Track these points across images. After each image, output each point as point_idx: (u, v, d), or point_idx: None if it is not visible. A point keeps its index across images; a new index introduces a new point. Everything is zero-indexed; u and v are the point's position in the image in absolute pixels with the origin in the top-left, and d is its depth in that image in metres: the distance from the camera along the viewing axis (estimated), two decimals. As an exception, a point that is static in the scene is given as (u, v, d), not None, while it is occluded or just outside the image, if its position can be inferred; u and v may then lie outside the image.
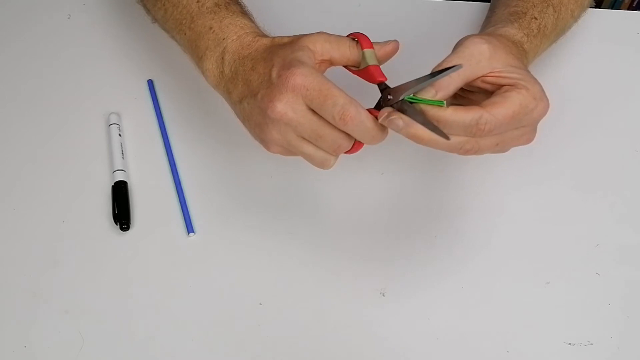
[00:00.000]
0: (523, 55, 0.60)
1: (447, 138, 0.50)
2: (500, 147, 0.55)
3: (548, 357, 0.60)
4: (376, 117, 0.53)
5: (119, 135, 0.71)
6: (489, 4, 0.75)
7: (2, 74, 0.76)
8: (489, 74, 0.54)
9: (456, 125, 0.51)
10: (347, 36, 0.57)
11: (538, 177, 0.70)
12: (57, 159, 0.70)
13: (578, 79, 0.76)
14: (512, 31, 0.61)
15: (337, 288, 0.63)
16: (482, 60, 0.53)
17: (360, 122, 0.51)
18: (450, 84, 0.53)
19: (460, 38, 0.66)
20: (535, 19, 0.64)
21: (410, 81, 0.53)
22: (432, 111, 0.51)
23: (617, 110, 0.75)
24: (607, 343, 0.61)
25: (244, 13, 0.62)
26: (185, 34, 0.62)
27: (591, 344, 0.61)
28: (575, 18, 0.71)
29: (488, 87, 0.54)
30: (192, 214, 0.67)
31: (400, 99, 0.52)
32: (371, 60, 0.55)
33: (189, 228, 0.66)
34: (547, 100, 0.54)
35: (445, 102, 0.52)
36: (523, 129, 0.54)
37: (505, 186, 0.69)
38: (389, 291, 0.63)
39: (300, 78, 0.51)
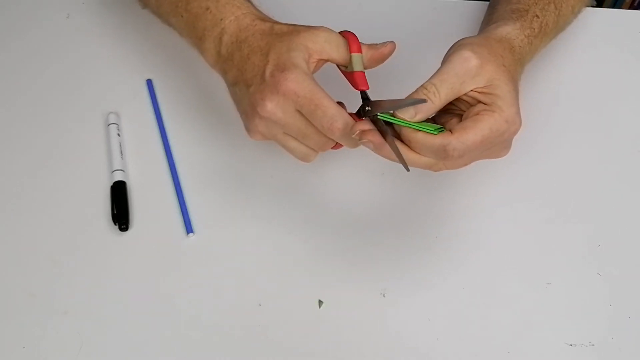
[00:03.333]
0: (518, 63, 0.59)
1: (407, 169, 0.53)
2: (471, 163, 0.57)
3: (549, 358, 0.60)
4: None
5: (118, 135, 0.70)
6: (488, 2, 0.74)
7: (0, 73, 0.76)
8: (471, 90, 0.54)
9: (425, 149, 0.53)
10: (339, 33, 0.57)
11: (539, 177, 0.69)
12: (55, 159, 0.70)
13: (579, 78, 0.76)
14: (513, 32, 0.61)
15: (337, 289, 0.63)
16: (466, 80, 0.54)
17: (347, 133, 0.53)
18: (430, 108, 0.53)
19: (459, 38, 0.66)
20: (537, 17, 0.63)
21: (389, 100, 0.54)
22: (405, 132, 0.53)
23: (617, 108, 0.74)
24: (608, 344, 0.61)
25: None
26: (182, 17, 0.63)
27: (592, 344, 0.61)
28: (576, 14, 0.72)
29: (469, 100, 0.55)
30: (192, 214, 0.66)
31: (375, 114, 0.54)
32: (357, 66, 0.55)
33: (188, 228, 0.65)
34: (520, 121, 0.55)
35: (415, 124, 0.53)
36: (494, 148, 0.55)
37: (506, 186, 0.69)
38: (389, 292, 0.63)
39: (293, 84, 0.53)
